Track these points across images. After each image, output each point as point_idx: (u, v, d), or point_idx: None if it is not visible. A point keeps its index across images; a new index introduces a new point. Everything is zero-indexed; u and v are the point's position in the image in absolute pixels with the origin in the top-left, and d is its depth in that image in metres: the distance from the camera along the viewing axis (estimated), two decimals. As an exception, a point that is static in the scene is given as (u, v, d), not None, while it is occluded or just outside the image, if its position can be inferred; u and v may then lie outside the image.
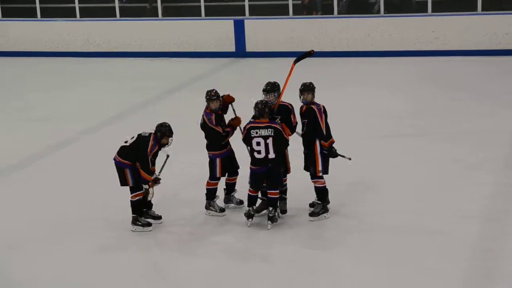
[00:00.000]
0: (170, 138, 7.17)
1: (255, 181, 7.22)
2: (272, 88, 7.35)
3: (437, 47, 15.59)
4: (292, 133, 7.35)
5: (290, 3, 16.52)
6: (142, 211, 7.32)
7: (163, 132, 7.15)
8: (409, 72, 14.38)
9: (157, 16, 17.37)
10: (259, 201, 7.43)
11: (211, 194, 7.63)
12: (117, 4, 17.56)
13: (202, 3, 16.99)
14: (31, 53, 17.73)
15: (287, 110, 7.32)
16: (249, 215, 7.27)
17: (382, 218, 7.41)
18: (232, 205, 7.74)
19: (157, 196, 8.06)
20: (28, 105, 12.98)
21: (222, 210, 7.64)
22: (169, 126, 7.21)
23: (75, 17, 17.82)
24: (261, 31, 16.64)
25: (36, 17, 18.06)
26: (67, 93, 13.61)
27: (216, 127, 7.41)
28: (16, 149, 10.22)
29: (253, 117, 7.18)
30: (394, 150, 9.57)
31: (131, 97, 13.32)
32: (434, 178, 8.48)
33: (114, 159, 7.22)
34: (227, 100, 7.52)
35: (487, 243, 6.83)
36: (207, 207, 7.64)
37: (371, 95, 12.60)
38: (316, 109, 7.22)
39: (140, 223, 7.26)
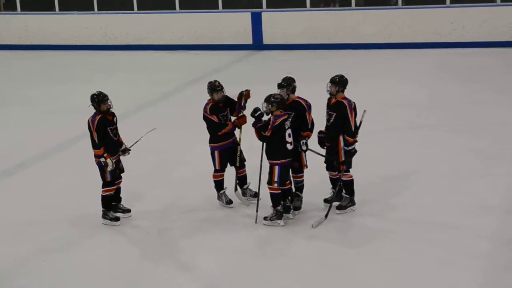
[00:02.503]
0: (107, 102, 7.19)
1: (286, 174, 7.15)
2: (288, 82, 7.28)
3: (456, 38, 15.50)
4: (307, 132, 7.26)
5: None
6: (111, 206, 7.42)
7: (97, 101, 7.20)
8: (427, 64, 14.31)
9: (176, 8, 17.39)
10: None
11: (217, 186, 7.69)
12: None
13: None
14: (49, 46, 17.86)
15: (302, 107, 7.23)
16: (283, 213, 7.21)
17: (403, 211, 7.38)
18: (249, 198, 7.70)
19: (167, 188, 8.09)
20: (48, 97, 13.09)
21: (229, 202, 7.67)
22: (97, 93, 7.23)
23: (93, 10, 17.89)
24: (279, 23, 16.62)
25: (55, 11, 18.16)
26: (86, 86, 13.60)
27: (211, 116, 7.41)
28: (36, 141, 10.30)
29: (271, 112, 7.01)
30: (413, 142, 9.54)
31: (149, 89, 13.38)
32: (454, 170, 8.44)
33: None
34: (246, 97, 7.49)
35: (508, 234, 6.80)
36: (217, 198, 7.73)
37: (389, 87, 12.57)
38: (347, 104, 7.14)
39: (108, 217, 7.38)
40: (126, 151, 7.45)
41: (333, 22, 16.26)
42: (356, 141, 7.23)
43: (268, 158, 7.11)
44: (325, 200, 7.51)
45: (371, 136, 9.61)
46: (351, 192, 7.39)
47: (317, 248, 6.74)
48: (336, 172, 7.35)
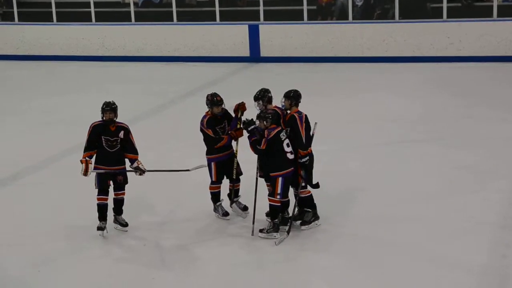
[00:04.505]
0: (109, 113, 7.21)
1: (289, 186, 7.16)
2: (262, 94, 7.35)
3: (452, 53, 15.54)
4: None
5: (305, 8, 16.53)
6: (103, 216, 7.37)
7: (101, 108, 7.27)
8: (423, 78, 14.34)
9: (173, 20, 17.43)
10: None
11: (213, 198, 7.69)
12: (132, 9, 17.66)
13: (217, 8, 17.04)
14: (46, 57, 17.85)
15: (278, 116, 7.25)
16: (279, 226, 7.20)
17: (393, 225, 7.38)
18: (239, 211, 7.72)
19: (163, 199, 8.16)
20: (44, 108, 13.08)
21: (225, 214, 7.67)
22: (106, 102, 7.29)
23: (91, 21, 17.92)
24: (276, 36, 16.67)
25: (52, 21, 18.18)
26: (82, 97, 13.69)
27: (207, 130, 7.42)
28: (32, 152, 10.28)
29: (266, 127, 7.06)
30: (406, 156, 9.55)
31: (146, 101, 13.38)
32: (446, 184, 8.45)
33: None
34: (242, 109, 7.50)
35: (501, 250, 6.81)
36: (214, 210, 7.72)
37: (384, 100, 12.59)
38: (297, 117, 7.14)
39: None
40: (139, 170, 7.37)
41: (330, 36, 16.30)
42: (309, 153, 7.17)
43: (270, 171, 7.10)
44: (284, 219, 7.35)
45: (363, 149, 9.67)
46: (312, 206, 7.35)
47: (312, 259, 6.76)
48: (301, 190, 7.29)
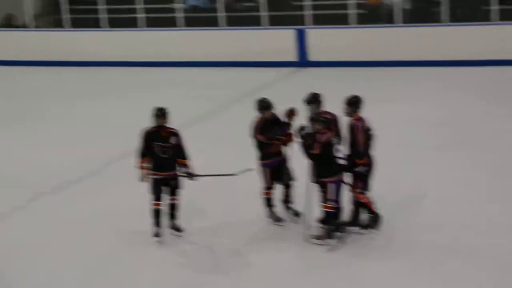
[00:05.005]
0: (159, 118, 7.36)
1: (340, 191, 7.13)
2: (316, 98, 7.42)
3: (504, 56, 15.27)
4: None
5: (353, 12, 16.45)
6: (156, 221, 7.45)
7: (153, 115, 7.42)
8: (472, 82, 14.11)
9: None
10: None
11: (266, 203, 7.72)
12: (181, 14, 17.79)
13: (264, 13, 17.07)
14: (97, 63, 18.03)
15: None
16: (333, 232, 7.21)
17: (424, 231, 7.38)
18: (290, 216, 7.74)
19: (216, 204, 8.25)
20: (97, 113, 13.26)
21: (278, 219, 7.69)
22: (156, 108, 7.43)
23: (142, 27, 18.11)
24: (323, 40, 16.61)
25: (103, 28, 18.42)
26: (136, 101, 13.84)
27: (258, 135, 7.46)
28: (88, 157, 10.46)
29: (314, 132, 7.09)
30: (438, 161, 9.46)
31: (195, 106, 13.46)
32: (474, 189, 8.40)
33: None
34: (293, 115, 7.50)
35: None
36: (267, 216, 7.74)
37: (427, 104, 12.43)
38: (357, 125, 7.14)
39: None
40: (190, 175, 7.44)
41: (378, 39, 16.16)
42: (364, 163, 7.12)
43: (321, 177, 7.09)
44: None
45: (399, 154, 9.56)
46: (370, 212, 7.33)
47: (366, 266, 6.78)
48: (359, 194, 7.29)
